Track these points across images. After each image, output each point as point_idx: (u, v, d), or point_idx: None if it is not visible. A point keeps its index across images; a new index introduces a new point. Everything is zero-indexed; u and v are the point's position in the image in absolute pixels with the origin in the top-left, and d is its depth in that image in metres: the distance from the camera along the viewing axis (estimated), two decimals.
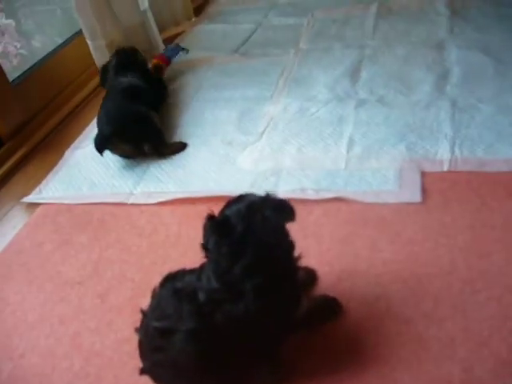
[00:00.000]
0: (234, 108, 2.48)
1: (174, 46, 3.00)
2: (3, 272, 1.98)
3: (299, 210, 1.83)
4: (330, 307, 1.47)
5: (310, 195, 1.87)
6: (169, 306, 1.25)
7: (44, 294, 1.81)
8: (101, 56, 2.76)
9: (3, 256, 2.03)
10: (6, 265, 2.01)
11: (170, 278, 1.32)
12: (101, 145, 2.24)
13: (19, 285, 1.89)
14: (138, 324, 1.58)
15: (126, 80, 2.43)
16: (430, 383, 1.29)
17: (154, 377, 1.32)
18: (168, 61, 2.87)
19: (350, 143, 2.07)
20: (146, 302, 1.65)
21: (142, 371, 1.33)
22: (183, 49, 2.94)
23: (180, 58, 2.95)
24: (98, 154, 2.27)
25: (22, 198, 2.26)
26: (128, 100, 2.33)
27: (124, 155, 2.31)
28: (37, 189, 2.28)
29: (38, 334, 1.70)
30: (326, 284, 1.57)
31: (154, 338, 1.26)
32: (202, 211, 1.96)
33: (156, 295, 1.32)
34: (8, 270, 1.98)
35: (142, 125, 2.28)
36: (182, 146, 2.30)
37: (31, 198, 2.24)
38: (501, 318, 1.39)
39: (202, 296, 1.20)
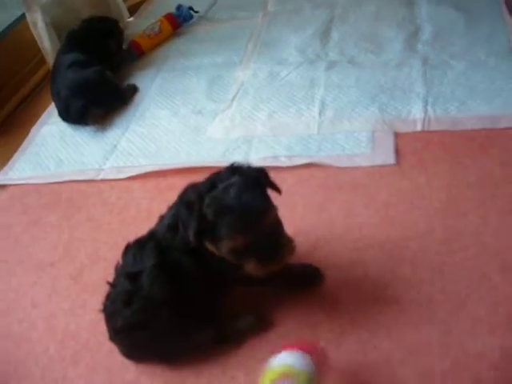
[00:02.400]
0: (203, 76, 2.42)
1: (183, 8, 2.85)
2: None
3: (273, 178, 1.82)
4: (310, 275, 1.45)
5: (283, 162, 1.83)
6: (135, 257, 1.34)
7: (15, 278, 1.77)
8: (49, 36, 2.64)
9: None
10: None
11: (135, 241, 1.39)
12: (81, 116, 2.27)
13: None
14: None
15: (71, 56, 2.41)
16: (410, 347, 1.28)
17: (127, 332, 1.35)
18: (178, 23, 2.80)
19: (322, 107, 2.03)
20: None
21: (116, 332, 1.37)
22: (195, 11, 2.87)
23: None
24: (64, 130, 2.27)
25: None
26: (80, 68, 2.34)
27: (95, 122, 2.29)
28: (3, 170, 2.22)
29: (11, 319, 1.66)
30: (303, 253, 1.54)
31: (125, 288, 1.32)
32: (174, 184, 1.94)
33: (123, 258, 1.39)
34: None
35: (104, 86, 2.34)
36: (134, 88, 2.44)
37: None
38: (477, 277, 1.38)
39: (159, 236, 1.32)
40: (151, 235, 1.36)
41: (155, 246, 1.31)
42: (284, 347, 1.16)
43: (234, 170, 1.24)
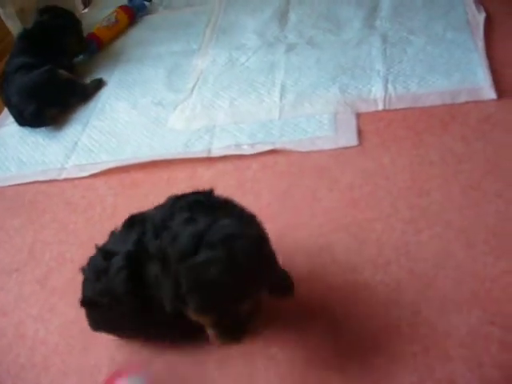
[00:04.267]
0: (161, 65, 2.37)
1: None
2: None
3: (236, 167, 1.81)
4: (284, 284, 1.39)
5: (246, 150, 1.81)
6: (120, 236, 1.31)
7: None
8: (14, 24, 2.57)
9: None
10: None
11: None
12: (36, 119, 2.22)
13: None
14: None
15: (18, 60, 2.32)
16: (380, 330, 1.28)
17: (92, 305, 1.35)
18: (133, 14, 2.74)
19: (283, 90, 2.01)
20: None
21: (83, 302, 1.36)
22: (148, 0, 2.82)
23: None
24: (24, 130, 2.23)
25: None
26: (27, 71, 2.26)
27: (53, 121, 2.24)
28: None
29: None
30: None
31: (98, 262, 1.30)
32: (137, 179, 1.91)
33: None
34: None
35: (57, 84, 2.26)
36: (99, 82, 2.38)
37: None
38: (444, 255, 1.39)
39: (147, 225, 1.22)
40: (143, 219, 1.26)
41: (140, 232, 1.23)
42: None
43: (195, 202, 1.19)
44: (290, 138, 1.82)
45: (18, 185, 2.03)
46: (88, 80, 2.40)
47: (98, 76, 2.41)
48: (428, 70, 1.94)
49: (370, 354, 1.25)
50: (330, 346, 1.29)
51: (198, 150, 1.86)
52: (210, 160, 1.83)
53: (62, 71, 2.29)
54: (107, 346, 1.44)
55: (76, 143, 2.10)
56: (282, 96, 1.98)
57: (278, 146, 1.79)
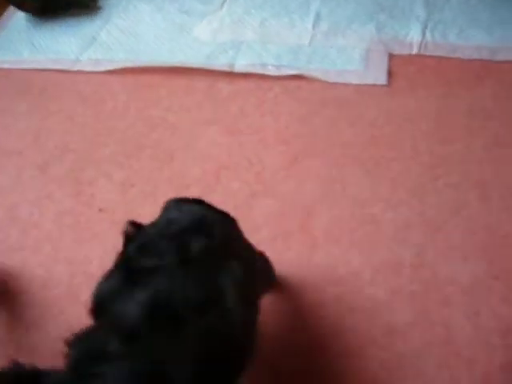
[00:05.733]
0: None
1: None
2: None
3: (257, 86, 1.74)
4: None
5: (270, 71, 1.74)
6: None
7: None
8: None
9: None
10: None
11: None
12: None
13: None
14: (80, 197, 1.50)
15: None
16: (381, 265, 1.26)
17: None
18: None
19: (317, 19, 1.92)
20: (87, 174, 1.58)
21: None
22: None
23: None
24: (41, 17, 2.13)
25: None
26: None
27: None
28: None
29: None
30: (281, 164, 1.50)
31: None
32: (153, 82, 1.84)
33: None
34: None
35: None
36: None
37: None
38: (457, 204, 1.36)
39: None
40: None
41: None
42: None
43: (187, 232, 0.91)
44: (318, 66, 1.75)
45: (29, 70, 1.95)
46: None
47: None
48: (469, 22, 1.85)
49: (367, 288, 1.23)
50: (328, 274, 1.27)
51: (220, 63, 1.79)
52: (231, 75, 1.76)
53: None
54: (102, 241, 1.40)
55: (94, 38, 2.02)
56: (315, 24, 1.90)
57: (303, 72, 1.72)
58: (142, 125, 1.67)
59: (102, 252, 1.37)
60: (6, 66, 1.99)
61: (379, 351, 1.15)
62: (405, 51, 1.79)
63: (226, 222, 1.00)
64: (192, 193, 1.44)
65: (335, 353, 1.17)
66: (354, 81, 1.70)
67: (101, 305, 0.86)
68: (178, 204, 1.02)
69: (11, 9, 2.26)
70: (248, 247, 1.03)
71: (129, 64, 1.85)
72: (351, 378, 1.13)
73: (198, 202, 1.02)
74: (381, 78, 1.69)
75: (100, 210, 1.47)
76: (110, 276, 0.89)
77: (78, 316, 1.11)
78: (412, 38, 1.82)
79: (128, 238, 0.94)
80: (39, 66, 1.94)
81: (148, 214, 1.41)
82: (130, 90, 1.80)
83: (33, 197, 1.55)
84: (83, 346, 0.79)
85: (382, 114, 1.60)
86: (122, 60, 1.88)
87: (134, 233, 0.95)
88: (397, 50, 1.79)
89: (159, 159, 1.57)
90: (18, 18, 2.20)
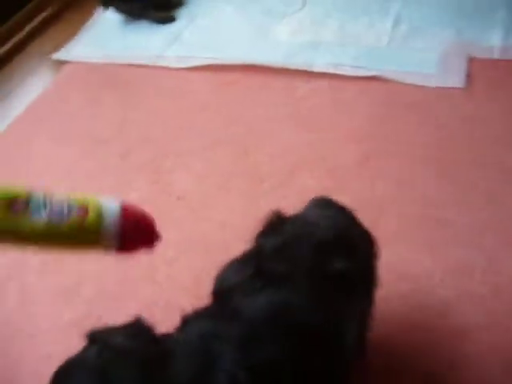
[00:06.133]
0: None
1: None
2: (29, 126, 1.96)
3: (333, 86, 1.78)
4: None
5: (348, 71, 1.77)
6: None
7: (70, 150, 1.80)
8: None
9: (30, 111, 2.01)
10: (32, 120, 1.99)
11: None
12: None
13: (46, 139, 1.88)
14: (159, 185, 1.56)
15: None
16: (453, 267, 1.25)
17: None
18: None
19: (397, 20, 1.94)
20: (167, 164, 1.65)
21: None
22: None
23: None
24: (129, 16, 2.24)
25: (50, 54, 2.19)
26: None
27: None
28: (65, 46, 2.21)
29: (65, 188, 1.71)
30: (354, 162, 1.52)
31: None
32: (233, 79, 1.91)
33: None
34: (34, 125, 1.96)
35: None
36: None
37: (60, 54, 2.17)
38: None
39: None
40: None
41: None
42: None
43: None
44: (395, 68, 1.76)
45: (116, 64, 2.07)
46: None
47: None
48: None
49: (437, 289, 1.23)
50: (398, 272, 1.28)
51: (299, 62, 1.84)
52: (308, 75, 1.80)
53: None
54: (179, 227, 1.47)
55: (178, 36, 2.11)
56: (394, 25, 1.92)
57: (380, 73, 1.74)
58: (219, 120, 1.74)
59: (178, 237, 1.44)
60: (95, 60, 2.11)
61: (447, 351, 1.15)
62: (485, 55, 1.77)
63: (368, 242, 0.97)
64: (265, 187, 1.53)
65: (402, 349, 1.18)
66: (432, 83, 1.70)
67: (222, 292, 0.87)
68: (322, 206, 1.01)
69: (102, 8, 2.40)
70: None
71: (210, 61, 1.93)
72: (419, 376, 1.14)
73: (344, 211, 1.00)
74: (458, 81, 1.69)
75: (178, 198, 1.55)
76: (239, 266, 0.89)
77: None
78: (493, 42, 1.81)
79: (269, 227, 0.94)
80: (126, 62, 2.05)
81: (222, 204, 1.50)
82: (209, 87, 1.87)
83: (114, 183, 1.64)
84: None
85: (458, 117, 1.59)
86: (203, 57, 1.97)
87: (277, 224, 0.94)
88: (477, 54, 1.78)
89: (234, 153, 1.63)
90: (107, 16, 2.33)
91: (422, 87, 1.69)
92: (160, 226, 1.47)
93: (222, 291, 0.87)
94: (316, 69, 1.80)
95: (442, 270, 1.26)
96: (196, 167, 1.61)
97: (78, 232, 0.82)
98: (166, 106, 1.84)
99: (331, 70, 1.77)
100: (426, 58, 1.78)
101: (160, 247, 1.43)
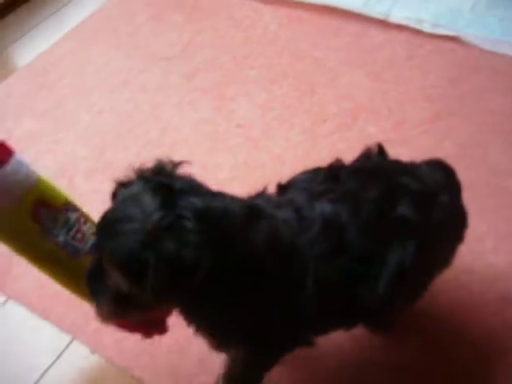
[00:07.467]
0: None
1: None
2: (91, 33, 1.94)
3: (410, 40, 1.72)
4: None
5: (426, 28, 1.71)
6: None
7: (129, 61, 1.79)
8: None
9: (92, 19, 1.99)
10: (94, 28, 1.97)
11: None
12: None
13: (106, 48, 1.86)
14: (220, 110, 1.54)
15: None
16: (507, 235, 1.23)
17: None
18: None
19: None
20: (230, 91, 1.63)
21: None
22: None
23: None
24: None
25: None
26: None
27: None
28: None
29: (118, 97, 1.70)
30: (422, 119, 1.48)
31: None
32: (306, 18, 1.86)
33: None
34: (96, 33, 1.94)
35: None
36: None
37: None
38: None
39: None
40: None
41: None
42: None
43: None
44: (476, 32, 1.70)
45: None
46: None
47: None
48: None
49: (489, 256, 1.22)
50: None
51: (376, 10, 1.78)
52: (384, 25, 1.75)
53: None
54: (235, 154, 1.46)
55: None
56: None
57: (460, 34, 1.68)
58: (288, 55, 1.70)
59: (233, 163, 1.43)
60: None
61: (490, 316, 1.14)
62: None
63: (458, 220, 0.96)
64: (327, 127, 1.50)
65: (446, 309, 1.17)
66: None
67: (287, 186, 0.88)
68: (435, 167, 0.99)
69: None
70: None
71: None
72: (461, 337, 1.12)
73: (454, 182, 0.99)
74: None
75: (238, 125, 1.53)
76: (314, 171, 0.90)
77: None
78: None
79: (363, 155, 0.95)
80: None
81: (282, 138, 1.48)
82: (280, 21, 1.82)
83: (176, 101, 1.63)
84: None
85: None
86: None
87: (365, 154, 0.95)
88: None
89: (300, 90, 1.60)
90: None
91: (502, 55, 1.63)
92: (215, 150, 1.49)
93: (287, 185, 0.89)
94: (393, 20, 1.74)
95: (496, 237, 1.25)
96: (260, 98, 1.59)
97: (80, 275, 0.70)
98: (234, 34, 1.81)
99: (409, 24, 1.72)
100: (509, 27, 1.71)
101: (212, 169, 1.45)
